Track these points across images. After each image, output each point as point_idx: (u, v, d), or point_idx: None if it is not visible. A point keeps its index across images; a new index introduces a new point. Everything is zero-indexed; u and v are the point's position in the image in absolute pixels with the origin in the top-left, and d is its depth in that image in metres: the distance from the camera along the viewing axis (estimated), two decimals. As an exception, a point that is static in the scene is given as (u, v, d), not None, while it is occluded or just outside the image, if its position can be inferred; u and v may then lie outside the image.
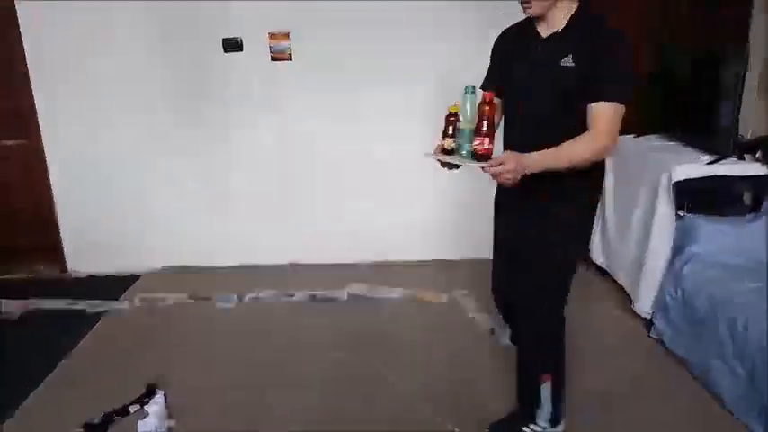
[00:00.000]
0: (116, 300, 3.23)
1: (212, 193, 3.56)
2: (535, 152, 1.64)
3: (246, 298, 3.20)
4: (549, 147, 1.66)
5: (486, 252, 3.56)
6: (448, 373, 2.48)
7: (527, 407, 2.03)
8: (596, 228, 3.31)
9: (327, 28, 3.26)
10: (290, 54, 3.28)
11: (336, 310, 3.08)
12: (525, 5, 1.72)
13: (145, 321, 3.02)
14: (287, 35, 3.25)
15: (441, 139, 1.72)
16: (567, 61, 1.69)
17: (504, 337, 2.70)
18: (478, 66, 1.98)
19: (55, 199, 3.56)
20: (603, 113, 1.66)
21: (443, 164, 1.74)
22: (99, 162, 3.50)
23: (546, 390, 1.97)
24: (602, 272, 3.30)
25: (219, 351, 2.72)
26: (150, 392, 2.34)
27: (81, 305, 3.17)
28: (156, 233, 3.60)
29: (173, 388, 2.37)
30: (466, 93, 1.66)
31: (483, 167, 1.62)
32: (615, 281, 3.14)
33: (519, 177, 1.61)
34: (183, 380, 2.45)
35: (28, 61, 3.33)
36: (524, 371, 2.03)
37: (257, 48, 3.29)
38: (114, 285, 3.43)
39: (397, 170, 3.47)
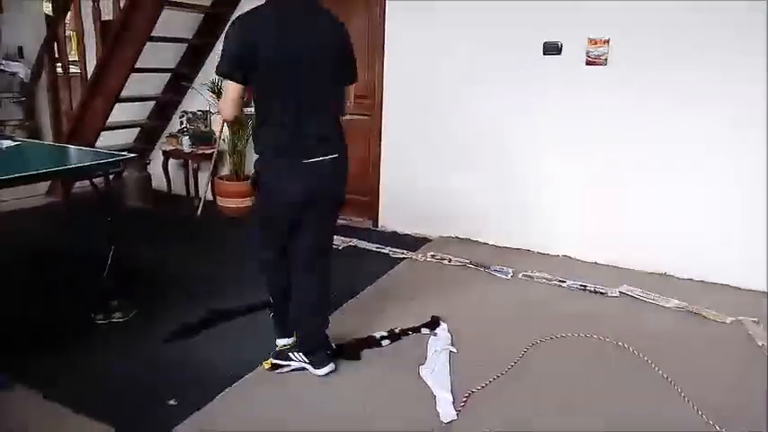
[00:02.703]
0: (413, 252, 3.90)
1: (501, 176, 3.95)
2: None
3: (520, 274, 3.51)
4: None
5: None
6: (722, 392, 2.36)
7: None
8: None
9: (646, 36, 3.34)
10: (606, 59, 3.45)
11: (605, 303, 3.16)
12: None
13: (432, 272, 3.60)
14: (606, 41, 3.43)
15: None
16: None
17: None
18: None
19: (381, 168, 4.41)
20: None
21: None
22: (413, 144, 4.24)
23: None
24: None
25: (490, 307, 3.09)
26: (435, 322, 2.84)
27: (386, 250, 3.93)
28: (448, 207, 4.17)
29: (450, 325, 2.82)
30: None
31: None
32: None
33: None
34: (458, 320, 2.87)
35: (385, 64, 4.22)
36: None
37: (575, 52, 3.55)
38: (412, 242, 4.14)
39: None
